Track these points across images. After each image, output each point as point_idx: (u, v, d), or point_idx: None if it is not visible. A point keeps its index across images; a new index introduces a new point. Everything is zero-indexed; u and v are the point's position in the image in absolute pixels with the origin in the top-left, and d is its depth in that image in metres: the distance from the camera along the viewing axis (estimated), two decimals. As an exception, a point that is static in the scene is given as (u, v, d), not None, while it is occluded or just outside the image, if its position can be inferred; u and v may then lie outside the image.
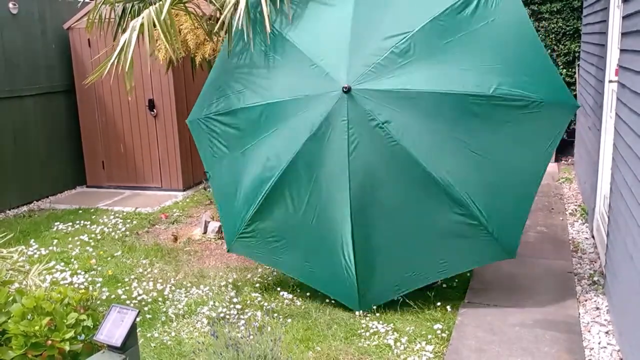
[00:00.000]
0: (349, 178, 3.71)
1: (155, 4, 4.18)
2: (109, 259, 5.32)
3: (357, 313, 4.02)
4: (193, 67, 5.41)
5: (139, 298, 4.47)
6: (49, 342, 2.67)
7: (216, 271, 4.88)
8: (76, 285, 4.75)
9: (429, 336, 3.73)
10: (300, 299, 4.29)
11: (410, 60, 3.71)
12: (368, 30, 3.86)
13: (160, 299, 4.45)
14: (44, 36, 7.47)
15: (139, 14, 4.93)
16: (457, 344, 3.63)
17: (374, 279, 3.92)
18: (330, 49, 3.88)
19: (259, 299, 4.34)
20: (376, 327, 3.84)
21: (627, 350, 3.27)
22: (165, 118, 7.34)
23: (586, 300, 4.13)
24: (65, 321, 2.75)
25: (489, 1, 3.79)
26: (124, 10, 5.05)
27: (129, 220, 6.42)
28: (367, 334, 3.77)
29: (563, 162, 8.51)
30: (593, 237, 5.27)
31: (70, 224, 6.36)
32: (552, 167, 8.12)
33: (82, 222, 6.40)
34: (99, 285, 4.73)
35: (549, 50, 8.56)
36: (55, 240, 5.84)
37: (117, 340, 2.64)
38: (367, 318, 3.97)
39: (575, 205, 6.31)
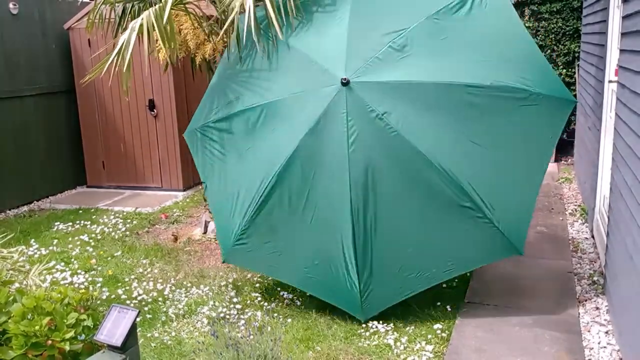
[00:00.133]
0: (348, 171, 3.63)
1: (155, 4, 4.19)
2: (109, 258, 5.33)
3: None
4: (193, 67, 5.42)
5: (139, 298, 4.47)
6: (49, 342, 2.67)
7: (216, 271, 4.88)
8: (76, 285, 4.76)
9: (429, 336, 3.74)
10: (300, 299, 4.30)
11: (408, 55, 3.74)
12: (365, 29, 3.90)
13: (160, 298, 4.45)
14: (44, 36, 7.47)
15: (139, 14, 4.93)
16: (457, 343, 3.63)
17: (376, 283, 3.77)
18: (329, 48, 3.90)
19: (259, 298, 4.35)
20: (376, 327, 3.84)
21: (626, 350, 3.27)
22: (165, 118, 7.35)
23: (586, 300, 4.14)
24: (65, 321, 2.75)
25: (482, 2, 3.88)
26: (124, 10, 5.06)
27: (129, 220, 6.42)
28: (367, 333, 3.78)
29: (563, 162, 8.51)
30: (593, 237, 5.27)
31: (71, 223, 6.37)
32: (552, 167, 8.12)
33: (82, 222, 6.41)
34: (99, 285, 4.74)
35: (549, 50, 8.57)
36: (56, 240, 5.85)
37: (118, 340, 2.64)
38: (367, 318, 3.98)
39: (575, 205, 6.32)
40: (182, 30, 5.08)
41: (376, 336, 3.75)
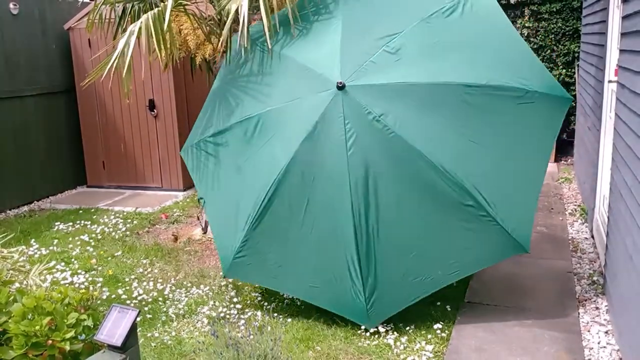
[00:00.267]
0: (348, 175, 3.60)
1: (155, 4, 4.20)
2: (110, 258, 5.33)
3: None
4: (192, 67, 5.42)
5: (139, 298, 4.48)
6: (50, 341, 2.67)
7: (216, 271, 4.88)
8: (77, 285, 4.76)
9: (429, 336, 3.74)
10: (300, 299, 4.30)
11: (402, 57, 3.74)
12: (359, 35, 3.91)
13: (160, 298, 4.45)
14: (45, 36, 7.48)
15: (139, 15, 4.94)
16: (457, 343, 3.63)
17: (381, 289, 3.69)
18: (322, 54, 3.90)
19: (259, 298, 4.35)
20: (376, 327, 3.84)
21: (626, 350, 3.27)
22: (165, 118, 7.35)
23: (586, 300, 4.14)
24: (65, 321, 2.75)
25: (473, 6, 3.92)
26: (124, 10, 5.06)
27: (129, 220, 6.43)
28: (367, 333, 3.78)
29: (563, 162, 8.52)
30: (593, 237, 5.28)
31: (71, 223, 6.37)
32: (551, 167, 8.13)
33: (82, 222, 6.41)
34: (99, 285, 4.74)
35: (549, 51, 8.57)
36: (56, 240, 5.85)
37: (118, 340, 2.64)
38: (367, 318, 3.98)
39: (575, 205, 6.32)
40: (183, 31, 5.08)
41: (376, 336, 3.75)
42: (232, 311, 4.17)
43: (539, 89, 3.72)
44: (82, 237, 5.90)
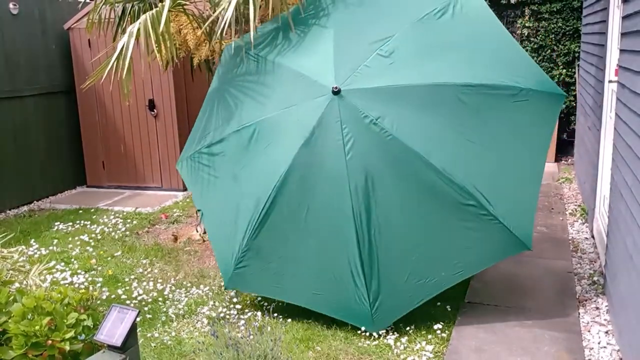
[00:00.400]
0: (348, 179, 3.60)
1: (155, 4, 4.20)
2: (109, 258, 5.33)
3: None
4: (192, 67, 5.42)
5: (139, 298, 4.48)
6: (49, 341, 2.67)
7: (216, 271, 4.88)
8: (76, 285, 4.76)
9: (429, 336, 3.74)
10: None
11: (396, 60, 3.75)
12: (351, 40, 3.93)
13: (160, 298, 4.45)
14: (44, 36, 7.48)
15: (138, 15, 4.94)
16: (457, 343, 3.63)
17: (385, 293, 3.66)
18: (316, 61, 3.90)
19: (259, 299, 4.35)
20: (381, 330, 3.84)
21: (626, 350, 3.27)
22: (165, 118, 7.35)
23: (586, 300, 4.14)
24: (65, 321, 2.75)
25: (463, 7, 3.94)
26: (123, 10, 5.06)
27: (129, 220, 6.43)
28: (367, 333, 3.78)
29: (563, 162, 8.52)
30: (593, 237, 5.28)
31: (71, 223, 6.37)
32: (552, 167, 8.13)
33: (82, 222, 6.41)
34: (99, 285, 4.74)
35: (549, 50, 8.58)
36: (56, 240, 5.85)
37: (118, 340, 2.64)
38: (367, 318, 3.97)
39: (575, 205, 6.32)
40: (182, 30, 5.09)
41: (376, 336, 3.75)
42: (232, 311, 4.17)
43: (533, 86, 3.75)
44: (81, 237, 5.90)
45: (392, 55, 3.76)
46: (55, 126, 7.69)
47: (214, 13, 4.72)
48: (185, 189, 7.47)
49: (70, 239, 5.89)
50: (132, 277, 4.89)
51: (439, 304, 4.11)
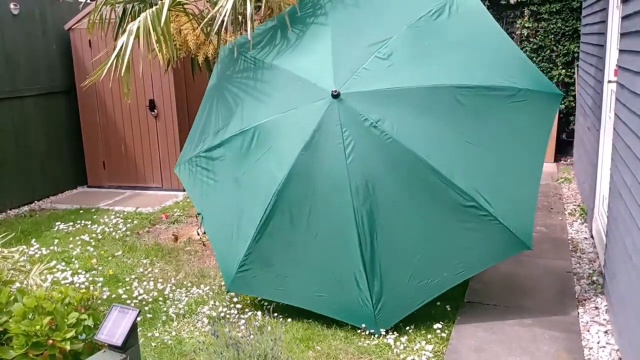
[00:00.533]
0: (349, 183, 3.60)
1: (155, 5, 4.21)
2: (110, 258, 5.34)
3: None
4: (193, 67, 5.43)
5: (139, 297, 4.48)
6: (50, 341, 2.68)
7: (217, 271, 4.89)
8: (77, 285, 4.77)
9: (429, 335, 3.75)
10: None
11: (394, 63, 3.77)
12: (349, 43, 3.94)
13: (160, 298, 4.46)
14: (45, 37, 7.49)
15: (139, 15, 4.94)
16: (457, 343, 3.64)
17: (388, 294, 3.68)
18: (315, 64, 3.91)
19: (259, 298, 4.35)
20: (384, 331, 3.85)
21: (626, 350, 3.28)
22: (165, 118, 7.36)
23: (585, 300, 4.15)
24: (66, 321, 2.76)
25: (459, 8, 3.96)
26: (124, 11, 5.07)
27: (129, 220, 6.44)
28: (367, 333, 3.78)
29: (562, 162, 8.52)
30: (592, 237, 5.28)
31: (71, 223, 6.38)
32: (551, 167, 8.14)
33: (83, 221, 6.42)
34: (99, 284, 4.75)
35: (548, 51, 8.58)
36: (56, 240, 5.86)
37: (118, 340, 2.65)
38: (367, 318, 3.98)
39: (575, 205, 6.32)
40: (183, 31, 5.09)
41: (376, 336, 3.75)
42: (232, 311, 4.18)
43: (530, 86, 3.77)
44: (82, 237, 5.91)
45: (391, 57, 3.78)
46: (55, 126, 7.69)
47: (209, 9, 4.74)
48: (185, 189, 7.47)
49: (71, 238, 5.89)
50: (133, 276, 4.90)
51: (438, 303, 4.12)
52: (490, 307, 4.10)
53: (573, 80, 8.44)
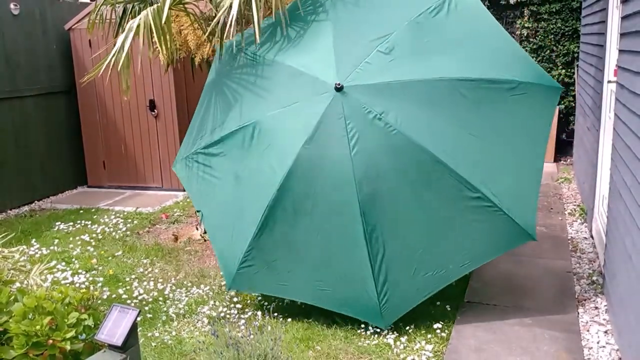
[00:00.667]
0: (353, 175, 3.58)
1: (155, 5, 4.20)
2: (110, 258, 5.34)
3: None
4: (193, 67, 5.43)
5: (139, 297, 4.49)
6: (50, 341, 2.68)
7: (217, 271, 4.89)
8: (77, 285, 4.77)
9: (429, 335, 3.75)
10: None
11: (396, 57, 3.78)
12: (351, 38, 3.95)
13: (160, 298, 4.46)
14: (45, 37, 7.49)
15: (139, 15, 4.94)
16: (457, 343, 3.64)
17: (393, 287, 3.65)
18: (317, 59, 3.91)
19: (260, 298, 4.36)
20: (376, 326, 3.85)
21: (625, 350, 3.28)
22: (165, 118, 7.36)
23: (585, 300, 4.15)
24: (66, 320, 2.76)
25: (458, 5, 4.00)
26: (124, 11, 5.07)
27: (129, 220, 6.44)
28: (367, 333, 3.79)
29: (562, 162, 8.52)
30: (592, 236, 5.29)
31: (71, 223, 6.38)
32: (551, 167, 8.14)
33: (83, 221, 6.42)
34: (99, 284, 4.75)
35: (548, 51, 8.59)
36: (57, 240, 5.86)
37: (118, 340, 2.65)
38: (367, 317, 3.98)
39: (574, 205, 6.33)
40: (183, 31, 5.09)
41: (376, 335, 3.76)
42: (232, 311, 4.18)
43: (530, 79, 3.81)
44: (82, 237, 5.91)
45: (392, 52, 3.80)
46: (55, 126, 7.70)
47: (215, 12, 4.74)
48: (185, 189, 7.47)
49: (71, 238, 5.90)
50: (133, 276, 4.90)
51: (438, 303, 4.12)
52: (490, 307, 4.10)
53: (573, 80, 8.45)
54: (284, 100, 3.89)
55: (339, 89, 3.69)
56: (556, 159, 8.53)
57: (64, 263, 5.24)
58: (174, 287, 4.65)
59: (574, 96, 8.42)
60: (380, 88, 3.69)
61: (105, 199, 7.38)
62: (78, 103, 7.78)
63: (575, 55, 8.36)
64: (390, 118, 3.62)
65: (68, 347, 2.70)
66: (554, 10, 8.40)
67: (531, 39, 8.63)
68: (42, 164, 7.50)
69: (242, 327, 3.93)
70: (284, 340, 3.70)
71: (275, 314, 4.06)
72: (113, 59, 4.11)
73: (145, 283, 4.75)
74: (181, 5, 4.72)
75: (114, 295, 4.54)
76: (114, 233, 6.03)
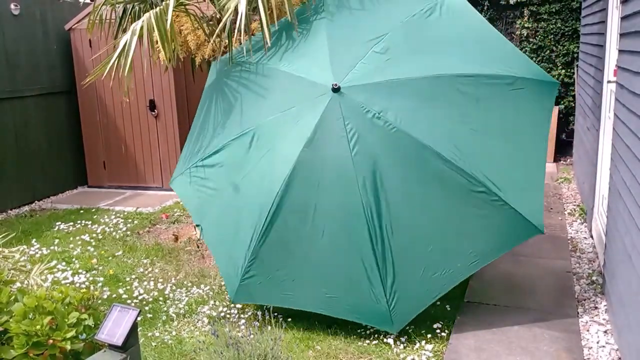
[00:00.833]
0: (355, 176, 3.54)
1: (155, 5, 4.21)
2: (110, 258, 5.34)
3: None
4: (193, 67, 5.43)
5: (140, 297, 4.49)
6: (51, 341, 2.68)
7: (217, 270, 4.90)
8: (77, 285, 4.78)
9: (429, 335, 3.75)
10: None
11: (392, 57, 3.81)
12: (345, 41, 3.97)
13: (161, 298, 4.47)
14: (46, 37, 7.49)
15: (139, 15, 4.95)
16: (457, 343, 3.65)
17: (402, 289, 3.56)
18: (312, 63, 3.92)
19: (259, 298, 4.36)
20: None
21: (625, 349, 3.28)
22: (166, 118, 7.37)
23: (585, 300, 4.15)
24: (66, 320, 2.76)
25: (449, 7, 4.06)
26: (124, 11, 5.07)
27: (130, 220, 6.44)
28: (367, 333, 3.79)
29: (562, 162, 8.53)
30: (592, 236, 5.29)
31: (72, 223, 6.39)
32: (551, 167, 8.14)
33: (83, 221, 6.43)
34: (100, 284, 4.75)
35: (548, 51, 8.59)
36: (57, 240, 5.87)
37: (118, 340, 2.65)
38: (367, 317, 3.99)
39: (574, 205, 6.33)
40: (183, 31, 5.09)
41: (376, 335, 3.76)
42: (232, 311, 4.18)
43: (527, 75, 3.83)
44: (83, 236, 5.92)
45: (388, 52, 3.82)
46: (56, 126, 7.70)
47: (217, 14, 4.74)
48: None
49: (71, 238, 5.90)
50: (133, 276, 4.91)
51: (438, 303, 4.13)
52: (490, 306, 4.10)
53: (573, 81, 8.45)
54: (282, 105, 3.87)
55: (336, 90, 3.68)
56: (556, 159, 8.53)
57: (64, 263, 5.24)
58: (174, 287, 4.65)
59: (573, 96, 8.43)
60: (377, 87, 3.69)
61: (105, 199, 7.38)
62: (78, 103, 7.79)
63: (575, 55, 8.36)
64: (390, 116, 3.61)
65: (68, 347, 2.70)
66: (553, 10, 8.41)
67: (531, 39, 8.63)
68: (42, 164, 7.51)
69: (242, 327, 3.94)
70: (284, 340, 3.70)
71: (276, 314, 4.07)
72: (116, 62, 4.11)
73: (145, 283, 4.76)
74: (182, 6, 4.73)
75: (114, 295, 4.54)
76: (114, 233, 6.04)
